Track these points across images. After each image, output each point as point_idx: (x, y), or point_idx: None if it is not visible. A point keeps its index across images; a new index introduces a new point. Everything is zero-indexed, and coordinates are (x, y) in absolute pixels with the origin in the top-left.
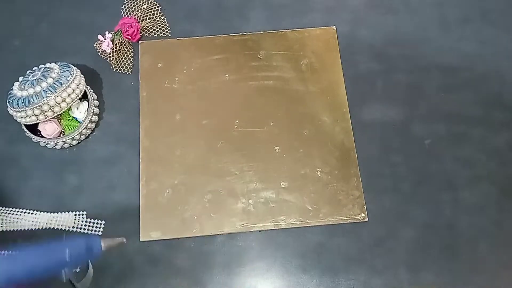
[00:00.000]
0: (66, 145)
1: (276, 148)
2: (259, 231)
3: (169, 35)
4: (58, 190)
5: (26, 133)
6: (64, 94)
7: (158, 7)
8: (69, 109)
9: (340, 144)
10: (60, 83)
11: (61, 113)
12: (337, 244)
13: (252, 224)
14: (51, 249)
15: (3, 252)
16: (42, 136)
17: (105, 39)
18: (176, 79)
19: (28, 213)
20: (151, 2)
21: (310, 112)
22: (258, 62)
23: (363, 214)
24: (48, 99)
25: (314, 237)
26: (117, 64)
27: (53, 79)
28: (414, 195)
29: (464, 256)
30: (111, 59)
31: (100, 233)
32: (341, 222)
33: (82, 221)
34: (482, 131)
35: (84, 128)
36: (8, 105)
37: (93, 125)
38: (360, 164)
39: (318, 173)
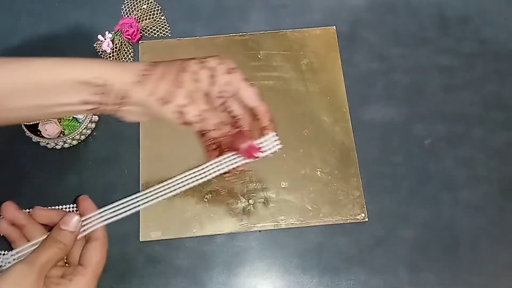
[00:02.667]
0: (66, 145)
1: None
2: (259, 231)
3: (169, 35)
4: (58, 190)
5: (26, 133)
6: None
7: (158, 7)
8: None
9: (340, 144)
10: None
11: None
12: (337, 244)
13: (252, 224)
14: None
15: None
16: (42, 136)
17: (105, 39)
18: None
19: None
20: (151, 2)
21: (310, 112)
22: (258, 62)
23: (363, 214)
24: None
25: (314, 237)
26: None
27: None
28: (414, 195)
29: (464, 256)
30: (111, 59)
31: None
32: (341, 222)
33: None
34: (482, 131)
35: (84, 128)
36: None
37: (93, 125)
38: (360, 164)
39: (318, 173)
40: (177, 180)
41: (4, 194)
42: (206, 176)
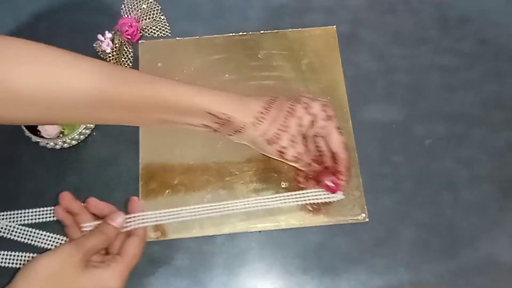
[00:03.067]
0: (66, 145)
1: None
2: (259, 231)
3: (169, 35)
4: (57, 190)
5: (25, 133)
6: None
7: (158, 7)
8: None
9: None
10: None
11: None
12: (338, 244)
13: (252, 225)
14: None
15: None
16: (42, 136)
17: (104, 39)
18: (176, 78)
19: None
20: (150, 2)
21: None
22: (258, 62)
23: (363, 214)
24: None
25: (315, 237)
26: (117, 64)
27: None
28: (414, 195)
29: (465, 256)
30: (111, 59)
31: None
32: (342, 223)
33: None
34: (482, 131)
35: (84, 128)
36: None
37: (92, 125)
38: (360, 164)
39: None
40: (246, 201)
41: (3, 193)
42: (286, 202)
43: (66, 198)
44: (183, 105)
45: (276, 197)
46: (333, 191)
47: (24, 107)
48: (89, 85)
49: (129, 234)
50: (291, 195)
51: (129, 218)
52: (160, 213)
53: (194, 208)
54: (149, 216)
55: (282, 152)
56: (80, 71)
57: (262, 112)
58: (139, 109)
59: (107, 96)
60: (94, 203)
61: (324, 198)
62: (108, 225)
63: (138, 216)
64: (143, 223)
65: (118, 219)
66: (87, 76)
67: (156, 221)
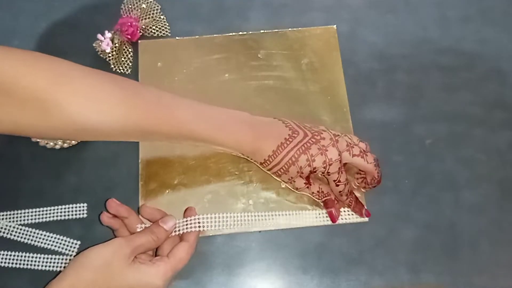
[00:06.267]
0: (65, 145)
1: None
2: (259, 231)
3: (169, 34)
4: (57, 190)
5: None
6: None
7: (157, 6)
8: None
9: None
10: None
11: None
12: (338, 244)
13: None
14: None
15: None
16: None
17: (104, 39)
18: (176, 78)
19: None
20: (150, 1)
21: (310, 112)
22: (258, 62)
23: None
24: None
25: (314, 238)
26: (117, 64)
27: None
28: (414, 195)
29: (465, 256)
30: (111, 58)
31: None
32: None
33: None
34: (483, 131)
35: None
36: None
37: None
38: None
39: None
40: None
41: (3, 194)
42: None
43: (113, 205)
44: (214, 142)
45: (308, 215)
46: (332, 220)
47: (71, 130)
48: (133, 121)
49: (180, 239)
50: (320, 214)
51: (181, 222)
52: (210, 217)
53: (239, 216)
54: (200, 221)
55: (292, 182)
56: (127, 108)
57: (270, 155)
58: (174, 137)
59: (146, 128)
60: (147, 209)
61: (350, 219)
62: (159, 227)
63: (190, 221)
64: (193, 227)
65: (169, 223)
66: (133, 112)
67: (206, 226)
